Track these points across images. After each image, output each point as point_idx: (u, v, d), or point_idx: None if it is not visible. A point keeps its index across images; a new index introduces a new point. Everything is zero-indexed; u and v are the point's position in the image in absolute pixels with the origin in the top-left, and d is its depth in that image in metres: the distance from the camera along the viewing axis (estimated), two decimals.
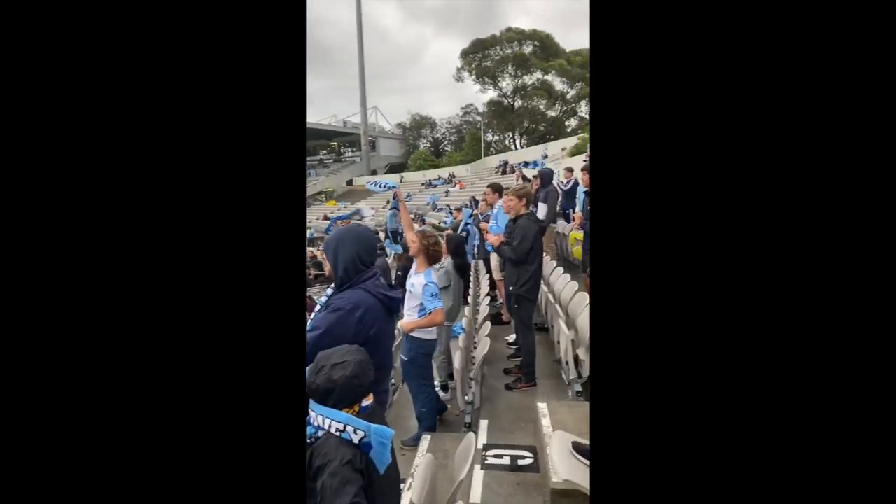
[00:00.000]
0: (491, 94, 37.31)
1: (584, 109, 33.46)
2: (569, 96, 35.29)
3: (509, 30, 35.78)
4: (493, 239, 3.48)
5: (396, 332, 2.24)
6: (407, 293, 2.68)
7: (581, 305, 3.39)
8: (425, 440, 2.40)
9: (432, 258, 2.70)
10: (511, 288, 3.30)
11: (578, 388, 3.04)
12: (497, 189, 4.73)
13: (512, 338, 4.06)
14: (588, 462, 1.80)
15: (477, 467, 2.31)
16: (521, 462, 2.38)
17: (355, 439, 1.09)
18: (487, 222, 4.36)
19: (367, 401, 1.20)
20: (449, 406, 3.15)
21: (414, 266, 2.74)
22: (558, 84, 35.41)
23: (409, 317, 2.64)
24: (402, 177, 33.04)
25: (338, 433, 1.09)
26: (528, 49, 35.32)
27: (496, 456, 2.43)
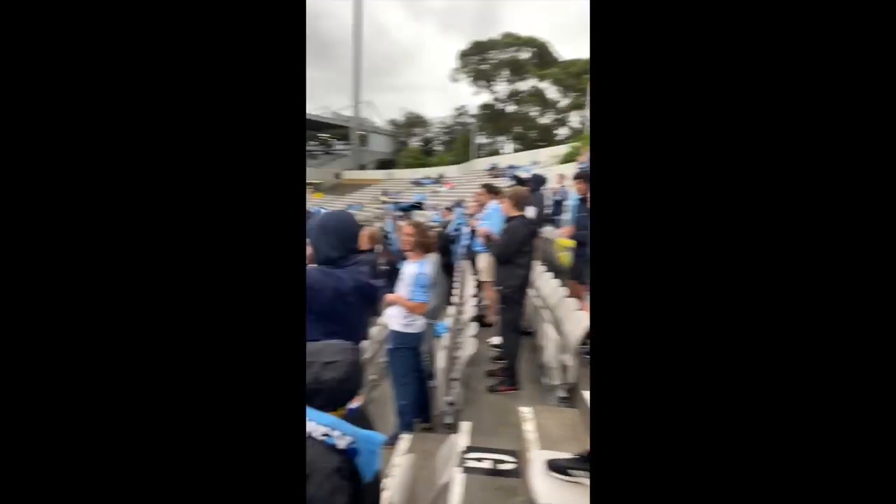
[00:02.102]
0: (485, 96, 37.47)
1: (574, 120, 33.76)
2: (560, 105, 35.53)
3: (507, 34, 35.89)
4: (482, 231, 3.56)
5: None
6: (400, 282, 2.67)
7: (568, 310, 3.35)
8: (405, 439, 2.31)
9: (426, 248, 2.68)
10: (499, 287, 3.25)
11: (563, 393, 2.99)
12: (492, 190, 4.69)
13: (496, 340, 4.01)
14: (565, 477, 1.76)
15: (456, 469, 2.24)
16: (501, 466, 2.31)
17: (342, 445, 0.97)
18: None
19: (356, 403, 1.10)
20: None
21: (409, 258, 2.70)
22: (552, 93, 35.64)
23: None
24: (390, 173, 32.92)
25: (322, 438, 0.96)
26: (525, 55, 35.49)
27: (477, 459, 2.36)
